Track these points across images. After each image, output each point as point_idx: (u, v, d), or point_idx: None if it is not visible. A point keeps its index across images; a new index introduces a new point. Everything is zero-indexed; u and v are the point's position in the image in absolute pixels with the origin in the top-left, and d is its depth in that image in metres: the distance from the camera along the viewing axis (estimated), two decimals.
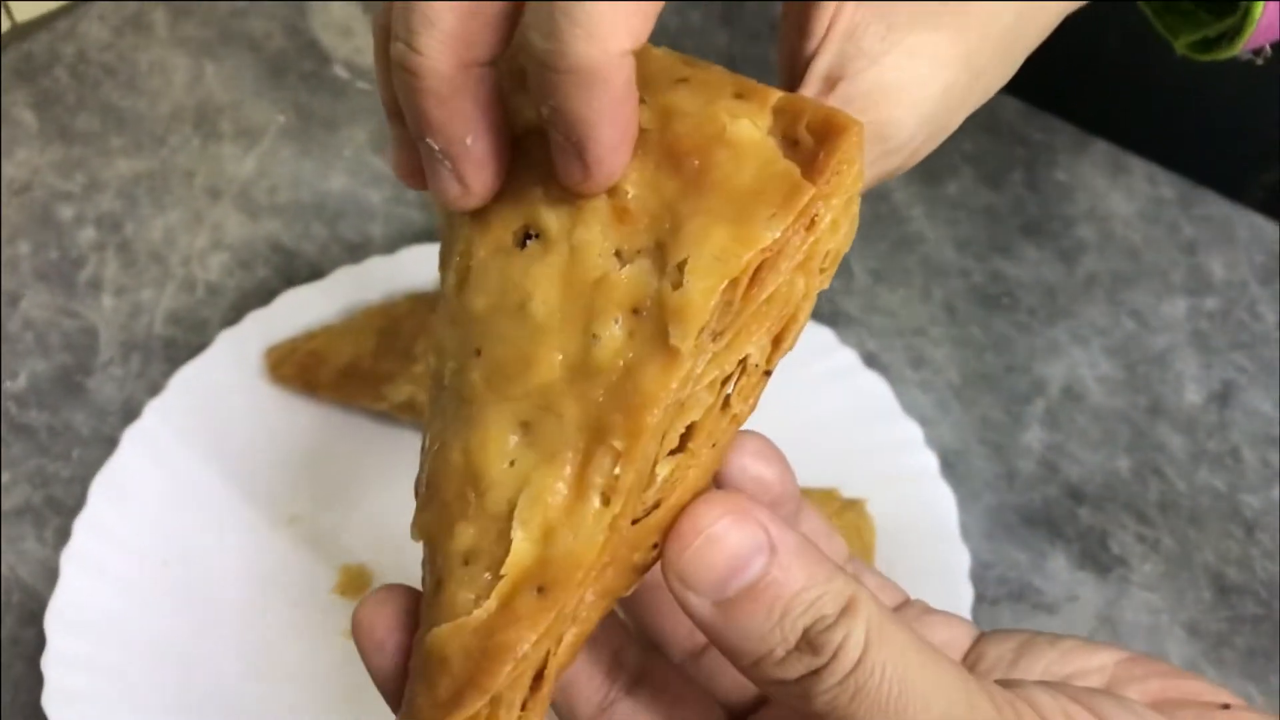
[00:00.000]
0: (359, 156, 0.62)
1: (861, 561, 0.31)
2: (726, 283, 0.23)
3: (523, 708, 0.24)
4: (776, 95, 0.24)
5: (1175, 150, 0.62)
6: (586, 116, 0.23)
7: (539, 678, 0.24)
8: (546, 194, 0.25)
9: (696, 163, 0.24)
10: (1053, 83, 0.65)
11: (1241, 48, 0.39)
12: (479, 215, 0.25)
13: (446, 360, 0.25)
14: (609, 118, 0.23)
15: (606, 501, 0.23)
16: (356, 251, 0.57)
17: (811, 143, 0.24)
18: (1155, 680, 0.26)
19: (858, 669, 0.23)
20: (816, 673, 0.23)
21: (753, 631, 0.24)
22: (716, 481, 0.26)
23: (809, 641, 0.23)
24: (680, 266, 0.23)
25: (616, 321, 0.23)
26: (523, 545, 0.23)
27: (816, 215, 0.24)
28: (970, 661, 0.28)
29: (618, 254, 0.24)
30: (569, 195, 0.25)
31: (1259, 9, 0.36)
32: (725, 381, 0.24)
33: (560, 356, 0.24)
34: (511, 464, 0.24)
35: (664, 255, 0.24)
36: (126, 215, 0.59)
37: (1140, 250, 0.59)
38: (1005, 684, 0.24)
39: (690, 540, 0.23)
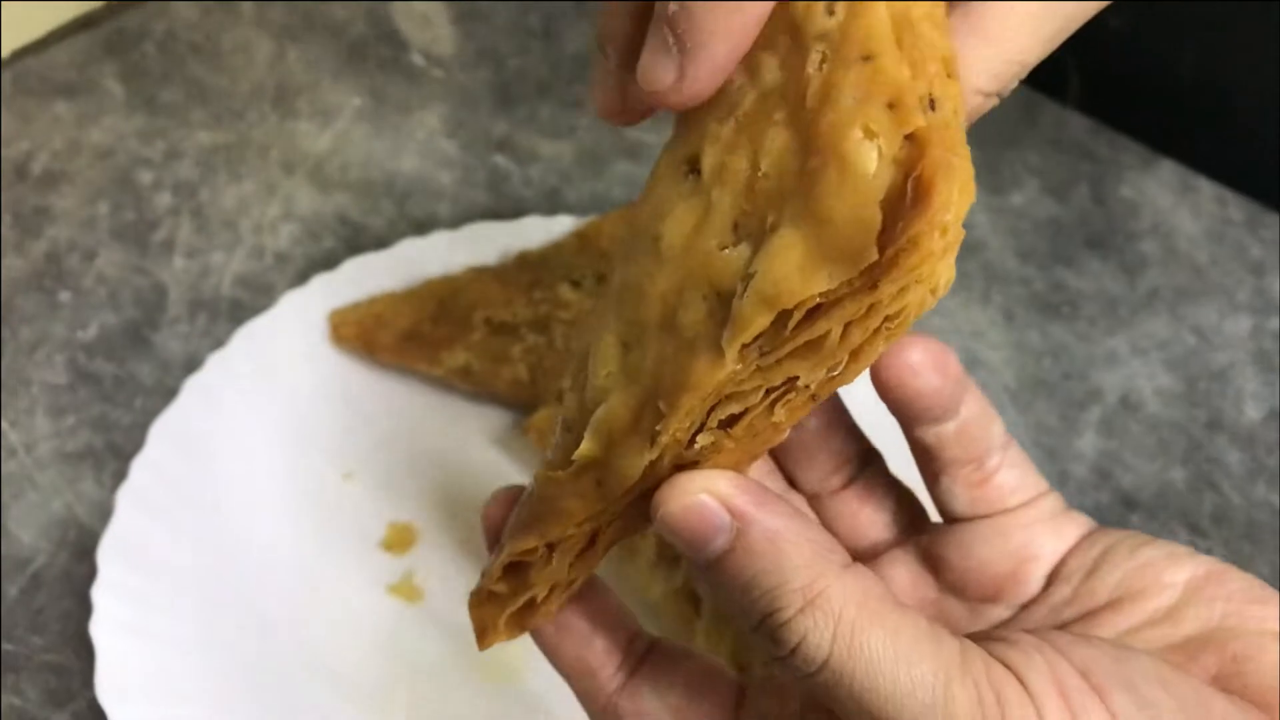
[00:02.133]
0: (431, 140, 0.63)
1: (1017, 450, 0.30)
2: (775, 312, 0.23)
3: (573, 562, 0.27)
4: (919, 121, 0.22)
5: (1245, 173, 0.61)
6: (708, 24, 0.22)
7: (593, 543, 0.26)
8: (719, 135, 0.24)
9: (816, 164, 0.22)
10: (1123, 101, 0.65)
11: None
12: (685, 125, 0.25)
13: (617, 252, 0.27)
14: (726, 35, 0.23)
15: (650, 444, 0.24)
16: (422, 228, 0.58)
17: (908, 200, 0.22)
18: (1220, 604, 0.26)
19: (822, 671, 0.23)
20: (779, 660, 0.24)
21: (721, 596, 0.25)
22: (876, 378, 0.28)
23: (766, 630, 0.24)
24: (751, 276, 0.23)
25: (704, 298, 0.24)
26: (589, 445, 0.25)
27: (879, 280, 0.22)
28: (1054, 570, 0.28)
29: (735, 228, 0.24)
30: (734, 145, 0.24)
31: None
32: (772, 392, 0.24)
33: (661, 303, 0.24)
34: (607, 374, 0.25)
35: (756, 252, 0.23)
36: (202, 183, 0.60)
37: (1205, 268, 0.58)
38: (1004, 646, 0.24)
39: (662, 501, 0.25)
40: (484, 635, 0.29)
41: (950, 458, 0.30)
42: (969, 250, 0.59)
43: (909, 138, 0.22)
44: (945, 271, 0.22)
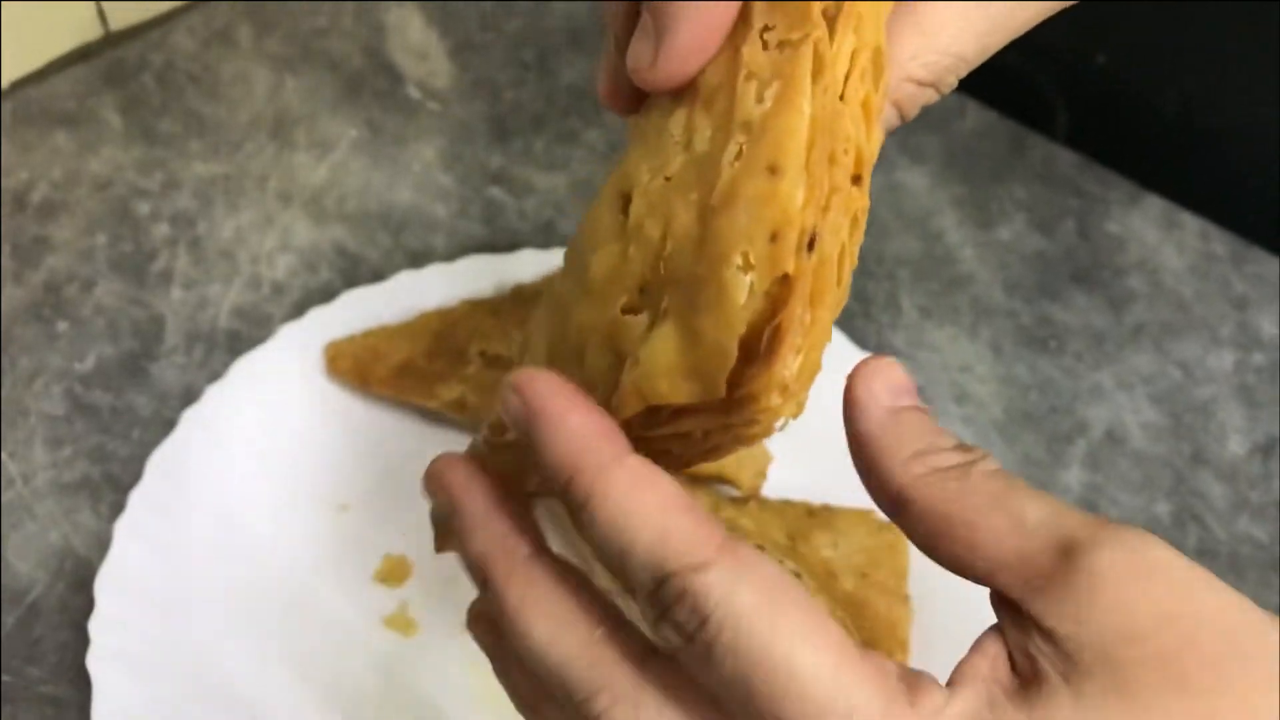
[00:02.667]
0: (427, 172, 0.63)
1: None
2: (646, 405, 0.25)
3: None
4: (789, 266, 0.23)
5: (1229, 209, 0.62)
6: (677, 12, 0.24)
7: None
8: (648, 188, 0.25)
9: (702, 273, 0.24)
10: (1109, 136, 0.66)
11: None
12: (631, 148, 0.27)
13: (569, 249, 0.29)
14: (692, 24, 0.24)
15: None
16: (418, 260, 0.59)
17: (762, 347, 0.23)
18: None
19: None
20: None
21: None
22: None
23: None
24: (637, 360, 0.25)
25: (607, 350, 0.26)
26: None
27: (728, 409, 0.24)
28: None
29: (641, 290, 0.25)
30: (654, 208, 0.25)
31: None
32: (653, 449, 0.26)
33: (577, 334, 0.27)
34: None
35: (651, 326, 0.25)
36: (200, 214, 0.61)
37: (1190, 303, 0.59)
38: None
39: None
40: None
41: None
42: (958, 283, 0.60)
43: (782, 278, 0.23)
44: (792, 410, 0.24)
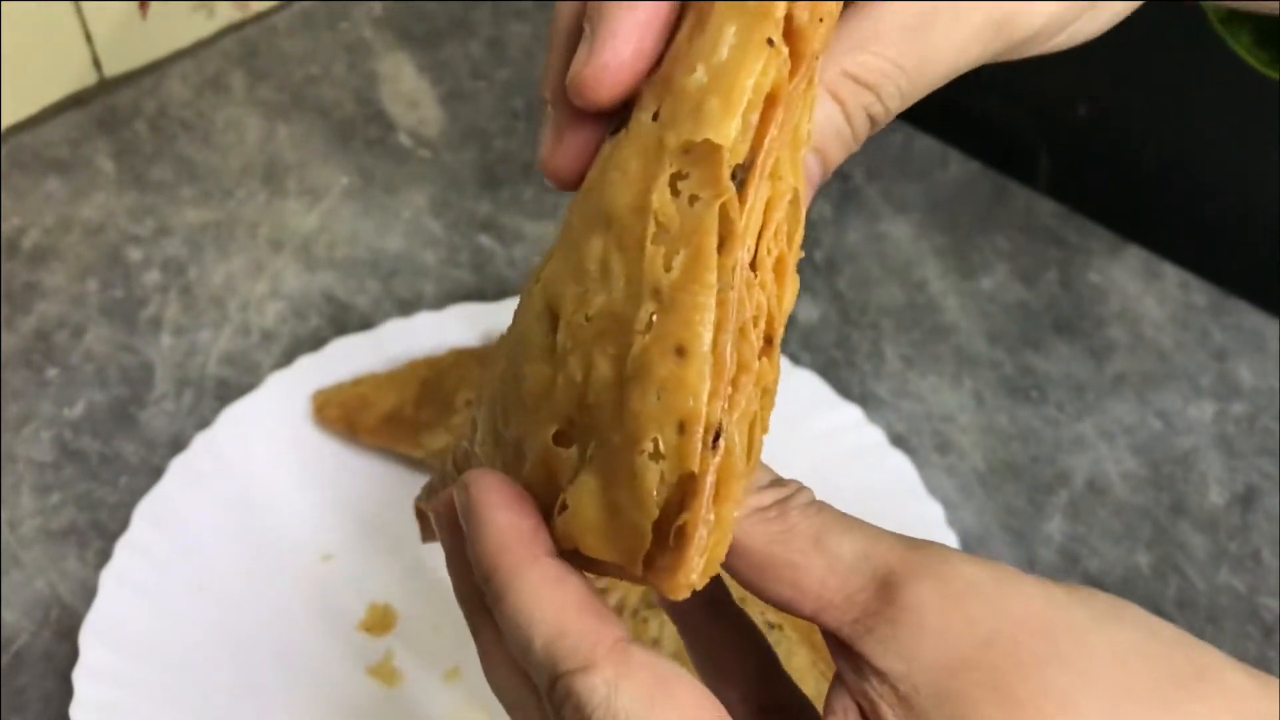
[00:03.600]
0: (417, 219, 0.64)
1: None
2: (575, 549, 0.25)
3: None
4: (693, 465, 0.23)
5: (1209, 260, 0.63)
6: (607, 15, 0.25)
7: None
8: (572, 319, 0.25)
9: (618, 443, 0.24)
10: (1091, 187, 0.66)
11: None
12: (561, 240, 0.27)
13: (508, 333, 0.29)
14: (620, 20, 0.25)
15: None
16: (407, 307, 0.59)
17: (670, 542, 0.24)
18: None
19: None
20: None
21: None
22: None
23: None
24: (564, 505, 0.25)
25: (542, 471, 0.26)
26: None
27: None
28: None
29: (570, 422, 0.25)
30: (577, 345, 0.25)
31: None
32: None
33: (516, 432, 0.27)
34: (482, 445, 0.28)
35: (579, 468, 0.25)
36: (191, 260, 0.62)
37: (1170, 354, 0.60)
38: None
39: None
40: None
41: None
42: (941, 333, 0.60)
43: (688, 475, 0.23)
44: (703, 582, 0.24)
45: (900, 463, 0.52)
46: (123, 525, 0.49)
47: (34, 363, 0.57)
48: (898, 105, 0.28)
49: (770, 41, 0.23)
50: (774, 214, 0.24)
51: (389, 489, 0.52)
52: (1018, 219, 0.66)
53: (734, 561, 0.26)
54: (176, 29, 0.70)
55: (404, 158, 0.67)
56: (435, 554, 0.51)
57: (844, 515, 0.26)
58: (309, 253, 0.62)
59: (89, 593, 0.47)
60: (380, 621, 0.48)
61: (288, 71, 0.71)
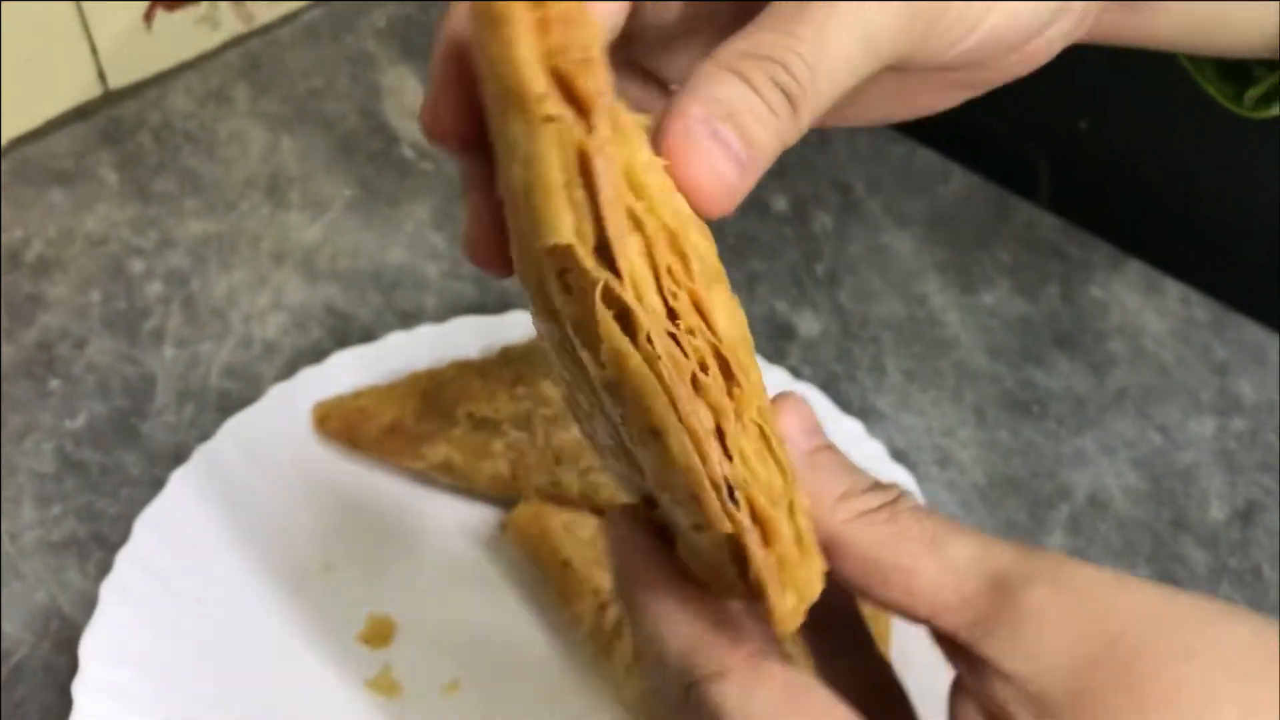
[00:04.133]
0: (419, 232, 0.64)
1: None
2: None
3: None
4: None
5: (1210, 274, 0.63)
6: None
7: None
8: None
9: None
10: (1092, 202, 0.67)
11: None
12: None
13: None
14: (431, 78, 0.26)
15: None
16: (409, 320, 0.59)
17: None
18: None
19: None
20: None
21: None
22: None
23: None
24: None
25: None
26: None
27: None
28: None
29: None
30: None
31: None
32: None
33: None
34: None
35: None
36: (194, 272, 0.62)
37: (1171, 368, 0.60)
38: None
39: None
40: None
41: None
42: (942, 347, 0.60)
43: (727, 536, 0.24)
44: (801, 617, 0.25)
45: (901, 477, 0.52)
46: (123, 537, 0.49)
47: (36, 374, 0.57)
48: (809, 76, 0.27)
49: (550, 117, 0.22)
50: (659, 259, 0.23)
51: (390, 501, 0.52)
52: (1019, 233, 0.66)
53: (843, 565, 0.26)
54: (181, 41, 0.70)
55: (407, 170, 0.67)
56: (436, 567, 0.51)
57: (954, 521, 0.26)
58: (311, 265, 0.62)
59: (89, 604, 0.47)
60: (380, 633, 0.48)
61: (291, 84, 0.71)
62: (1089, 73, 0.61)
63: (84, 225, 0.63)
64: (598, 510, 0.50)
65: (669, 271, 0.23)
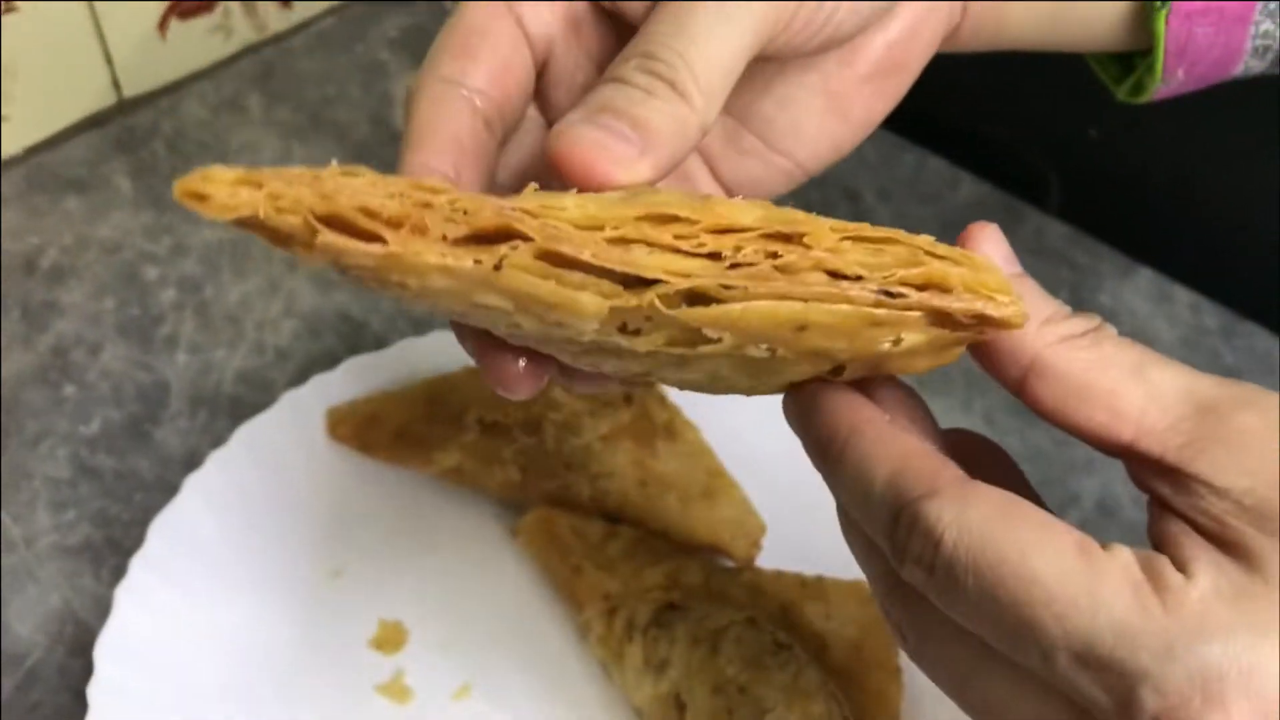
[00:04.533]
0: None
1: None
2: None
3: None
4: None
5: (1220, 282, 0.63)
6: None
7: None
8: None
9: None
10: (1102, 210, 0.67)
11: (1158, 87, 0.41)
12: None
13: None
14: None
15: None
16: (421, 325, 0.60)
17: None
18: None
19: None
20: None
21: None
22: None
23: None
24: None
25: None
26: None
27: None
28: None
29: None
30: None
31: (1160, 39, 0.38)
32: None
33: None
34: None
35: None
36: (207, 279, 0.62)
37: None
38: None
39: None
40: None
41: None
42: None
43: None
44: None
45: None
46: (137, 542, 0.49)
47: (51, 380, 0.57)
48: (678, 58, 0.29)
49: (478, 262, 0.24)
50: (661, 240, 0.25)
51: (401, 505, 0.52)
52: (1029, 241, 0.66)
53: (1046, 388, 0.27)
54: (194, 50, 0.71)
55: None
56: (446, 570, 0.51)
57: (1155, 352, 0.27)
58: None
59: (103, 608, 0.48)
60: (391, 639, 0.48)
61: (304, 93, 0.72)
62: (1098, 81, 0.62)
63: (98, 233, 0.64)
64: (608, 515, 0.50)
65: (676, 238, 0.25)
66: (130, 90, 0.69)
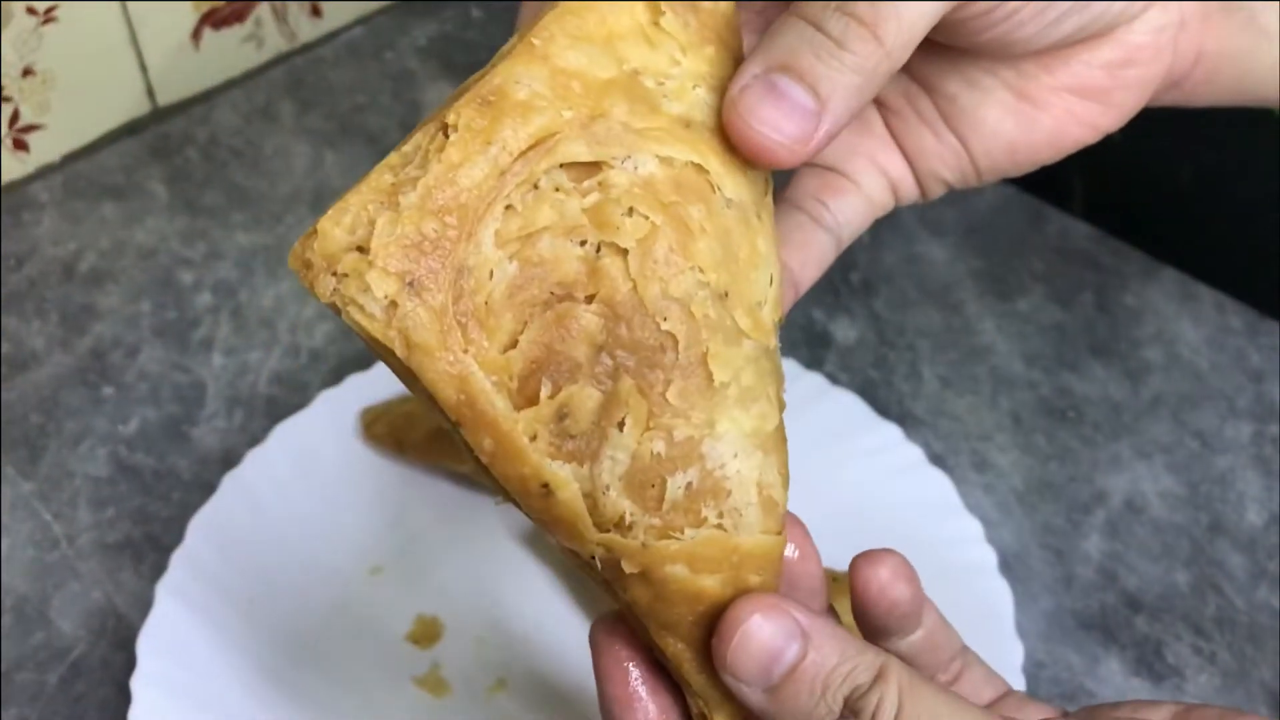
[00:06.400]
0: None
1: (974, 654, 0.34)
2: None
3: None
4: None
5: (1244, 281, 0.63)
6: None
7: None
8: None
9: None
10: (1126, 210, 0.67)
11: None
12: None
13: None
14: None
15: None
16: None
17: None
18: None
19: None
20: None
21: (801, 709, 0.27)
22: (856, 598, 0.32)
23: (850, 709, 0.27)
24: None
25: None
26: None
27: None
28: None
29: None
30: None
31: None
32: None
33: None
34: None
35: None
36: (241, 283, 0.63)
37: (1206, 375, 0.60)
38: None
39: (729, 637, 0.27)
40: None
41: (922, 664, 0.32)
42: (978, 354, 0.61)
43: None
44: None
45: (939, 480, 0.53)
46: (176, 539, 0.50)
47: (90, 381, 0.58)
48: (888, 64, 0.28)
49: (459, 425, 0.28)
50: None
51: (435, 503, 0.53)
52: (1053, 242, 0.66)
53: None
54: (227, 60, 0.72)
55: None
56: (482, 567, 0.52)
57: None
58: None
59: (144, 604, 0.49)
60: (427, 633, 0.49)
61: (334, 100, 0.73)
62: None
63: (135, 238, 0.65)
64: None
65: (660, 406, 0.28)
66: (165, 99, 0.71)
